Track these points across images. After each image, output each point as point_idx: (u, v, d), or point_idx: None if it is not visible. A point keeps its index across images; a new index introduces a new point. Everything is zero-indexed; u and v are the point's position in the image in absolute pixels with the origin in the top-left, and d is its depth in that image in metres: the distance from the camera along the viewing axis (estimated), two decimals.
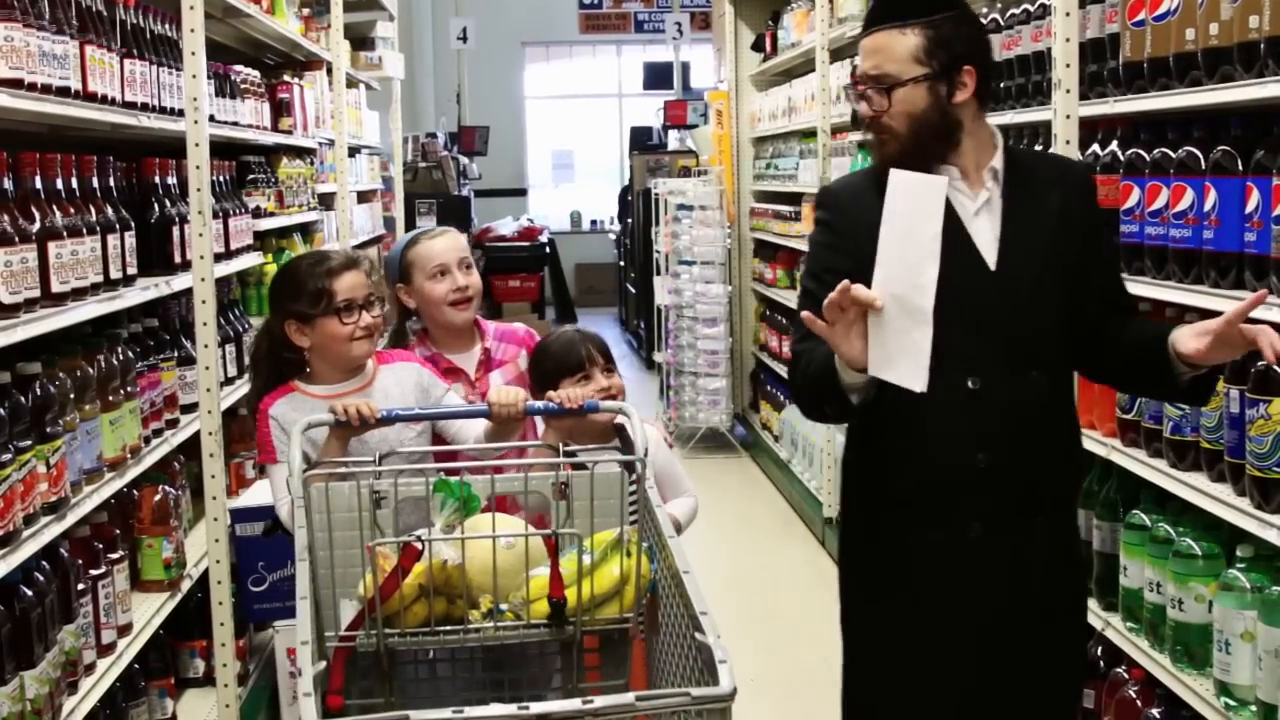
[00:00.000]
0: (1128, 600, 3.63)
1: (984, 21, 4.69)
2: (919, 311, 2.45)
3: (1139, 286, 3.47)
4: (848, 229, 2.78)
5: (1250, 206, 3.05)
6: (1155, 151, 3.46)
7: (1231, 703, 3.12)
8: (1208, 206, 3.19)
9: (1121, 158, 3.64)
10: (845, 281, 2.46)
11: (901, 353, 2.47)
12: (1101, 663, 3.83)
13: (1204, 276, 3.24)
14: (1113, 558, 3.72)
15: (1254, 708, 3.06)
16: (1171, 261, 3.35)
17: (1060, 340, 2.80)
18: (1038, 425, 2.76)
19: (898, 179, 2.51)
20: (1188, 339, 2.59)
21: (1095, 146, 3.81)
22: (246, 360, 5.10)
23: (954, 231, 2.67)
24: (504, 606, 2.62)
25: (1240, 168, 3.11)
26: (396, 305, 3.75)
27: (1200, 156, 3.26)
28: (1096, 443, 3.71)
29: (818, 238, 2.90)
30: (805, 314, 2.58)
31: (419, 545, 2.57)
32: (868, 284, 2.48)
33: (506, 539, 2.66)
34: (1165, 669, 3.40)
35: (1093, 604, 3.80)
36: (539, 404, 3.12)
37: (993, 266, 2.75)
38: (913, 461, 2.77)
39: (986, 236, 2.76)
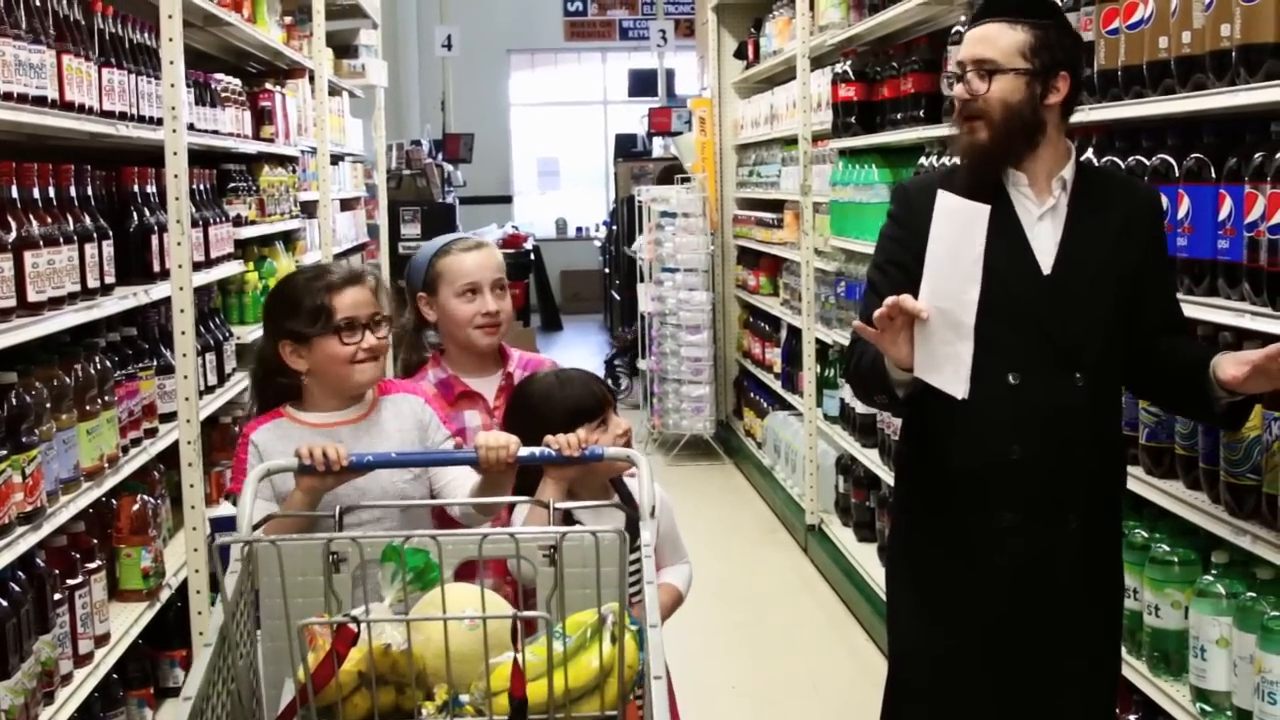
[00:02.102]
0: None
1: (960, 29, 4.71)
2: (961, 326, 2.64)
3: None
4: (913, 224, 2.90)
5: (1223, 214, 3.06)
6: (1130, 159, 3.47)
7: (1207, 709, 3.13)
8: (1181, 214, 3.20)
9: (1097, 165, 3.65)
10: (893, 298, 2.64)
11: (945, 360, 2.67)
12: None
13: (1178, 283, 3.24)
14: None
15: (1229, 714, 3.07)
16: None
17: (1107, 348, 2.91)
18: (1073, 426, 2.88)
19: (945, 202, 2.67)
20: (1228, 366, 2.70)
21: None
22: (227, 369, 5.11)
23: (1013, 235, 2.87)
24: (464, 699, 2.25)
25: (1213, 175, 3.12)
26: (414, 314, 3.40)
27: (1174, 164, 3.27)
28: None
29: (887, 231, 3.05)
30: (856, 324, 2.76)
31: (354, 627, 2.19)
32: (917, 268, 2.72)
33: (467, 619, 2.26)
34: (1143, 675, 3.40)
35: None
36: (534, 451, 2.72)
37: (1046, 270, 2.89)
38: (952, 449, 2.92)
39: (1046, 242, 2.90)
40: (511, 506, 2.98)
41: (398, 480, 2.97)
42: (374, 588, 2.34)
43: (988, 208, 2.68)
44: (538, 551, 2.36)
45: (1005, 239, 2.83)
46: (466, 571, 2.46)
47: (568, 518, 2.85)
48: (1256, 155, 2.93)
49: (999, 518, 2.89)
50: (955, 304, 2.63)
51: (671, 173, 10.44)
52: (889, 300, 2.64)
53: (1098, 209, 2.93)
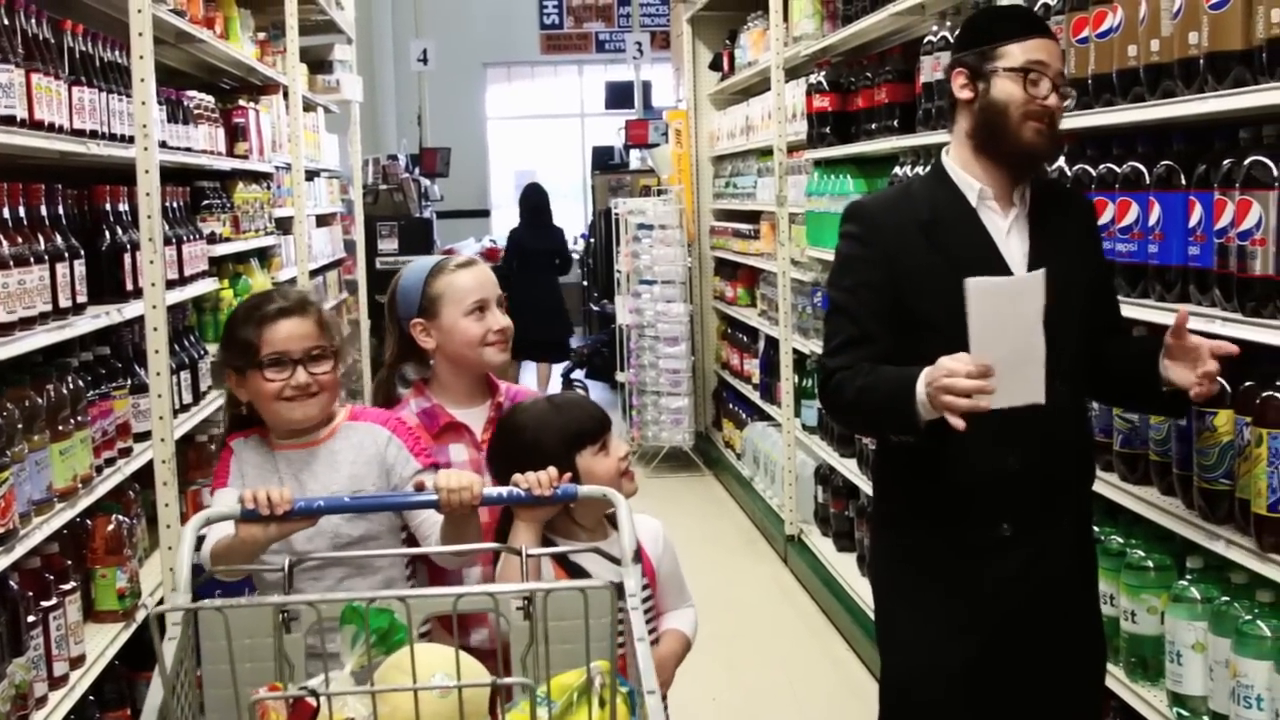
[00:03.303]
0: None
1: (933, 40, 4.73)
2: (1031, 361, 2.65)
3: None
4: (880, 243, 2.93)
5: (1193, 220, 3.07)
6: (1101, 167, 3.48)
7: (1184, 713, 3.14)
8: (1152, 221, 3.21)
9: (1069, 173, 3.66)
10: (968, 402, 2.62)
11: (1018, 385, 2.65)
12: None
13: (1150, 290, 3.26)
14: None
15: (1206, 718, 3.08)
16: (1119, 275, 3.37)
17: (1078, 354, 2.97)
18: (1062, 431, 2.95)
19: (978, 287, 2.62)
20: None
21: None
22: (202, 387, 5.09)
23: (988, 249, 2.90)
24: None
25: (1183, 182, 3.13)
26: (397, 347, 3.19)
27: (1144, 171, 3.29)
28: None
29: (849, 251, 3.01)
30: (956, 422, 2.64)
31: (314, 701, 2.00)
32: (900, 293, 2.85)
33: (437, 687, 2.05)
34: (1120, 680, 3.41)
35: None
36: (501, 492, 2.55)
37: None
38: (950, 465, 2.91)
39: (1017, 254, 2.93)
40: (496, 554, 2.79)
41: (340, 519, 2.78)
42: (332, 652, 2.16)
43: (1041, 276, 2.70)
44: (512, 605, 2.16)
45: (981, 253, 2.89)
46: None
47: (563, 560, 2.73)
48: (1225, 162, 2.95)
49: (1000, 528, 2.92)
50: (1022, 353, 2.65)
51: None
52: (966, 405, 2.62)
53: (1054, 217, 2.99)
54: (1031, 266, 2.88)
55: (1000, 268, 2.88)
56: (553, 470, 2.55)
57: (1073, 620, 3.03)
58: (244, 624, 2.14)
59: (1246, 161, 2.85)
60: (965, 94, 2.94)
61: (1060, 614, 2.98)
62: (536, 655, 2.10)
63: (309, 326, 2.85)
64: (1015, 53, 2.89)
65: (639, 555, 2.38)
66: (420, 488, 2.61)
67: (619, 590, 2.19)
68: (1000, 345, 2.63)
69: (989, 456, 2.86)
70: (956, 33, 3.11)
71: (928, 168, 3.12)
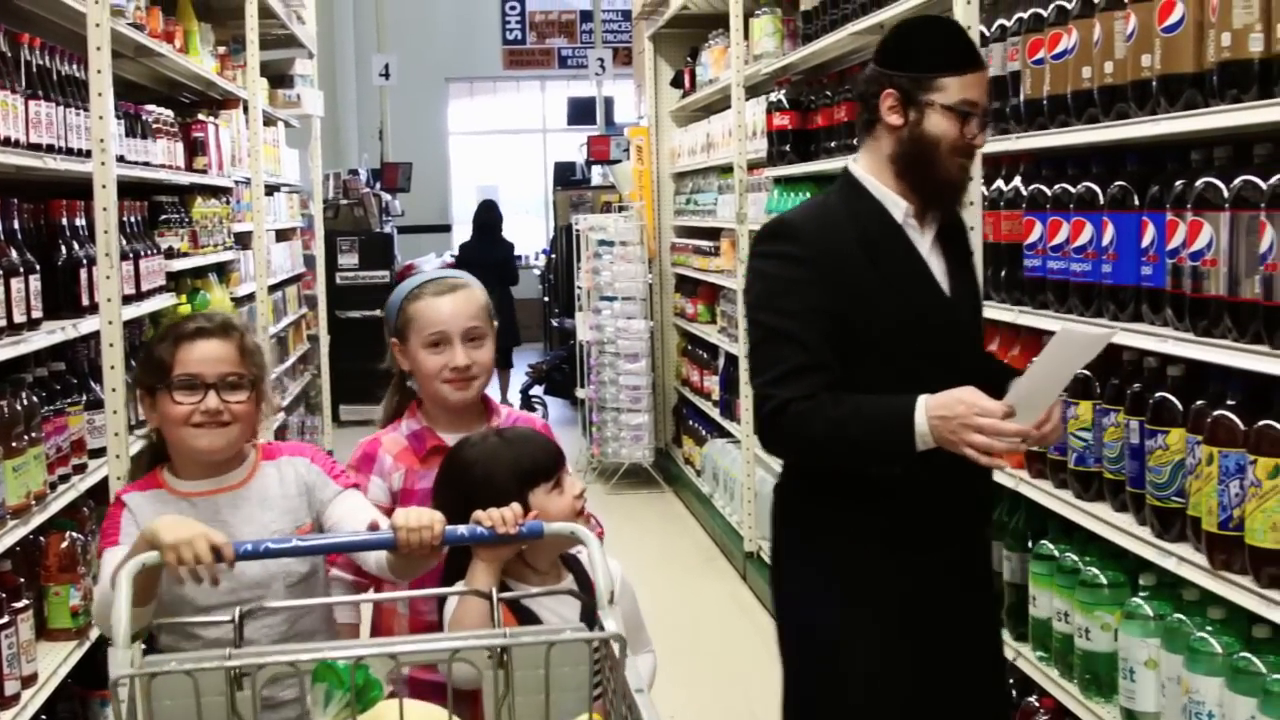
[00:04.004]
0: (1037, 630, 3.67)
1: None
2: (1044, 404, 2.66)
3: (1042, 320, 3.53)
4: (821, 264, 2.79)
5: (1146, 240, 3.10)
6: (1056, 187, 3.51)
7: None
8: (1106, 241, 3.24)
9: (1024, 193, 3.70)
10: (1015, 444, 2.67)
11: (1024, 420, 2.65)
12: (1014, 692, 3.86)
13: (1103, 310, 3.29)
14: (1022, 588, 3.76)
15: None
16: (1073, 295, 3.41)
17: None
18: None
19: (1067, 335, 2.66)
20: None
21: (999, 182, 3.87)
22: None
23: (921, 268, 2.87)
24: None
25: (1136, 203, 3.17)
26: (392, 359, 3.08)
27: (1098, 192, 3.32)
28: (1005, 474, 3.74)
29: (786, 273, 2.81)
30: (985, 461, 2.64)
31: None
32: (845, 315, 2.74)
33: None
34: (1075, 698, 3.43)
35: (1005, 634, 3.83)
36: (462, 530, 2.38)
37: (948, 295, 2.90)
38: (898, 481, 2.82)
39: (939, 271, 2.91)
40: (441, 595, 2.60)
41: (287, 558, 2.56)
42: (301, 715, 2.02)
43: (1114, 332, 2.80)
44: (482, 652, 2.04)
45: (916, 273, 2.86)
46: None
47: (514, 605, 2.54)
48: (1178, 183, 2.98)
49: (941, 530, 2.90)
50: (1045, 394, 2.66)
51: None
52: (1003, 447, 2.64)
53: (957, 239, 3.00)
54: (951, 285, 2.89)
55: (933, 287, 2.87)
56: (516, 507, 2.41)
57: (995, 637, 3.09)
58: (183, 684, 1.94)
59: (1198, 183, 2.88)
60: (894, 119, 2.83)
61: (987, 630, 3.04)
62: (511, 706, 1.99)
63: (228, 351, 2.67)
64: (952, 88, 2.79)
65: (613, 597, 2.23)
66: (374, 527, 2.45)
67: (586, 627, 2.08)
68: (1041, 386, 2.64)
69: (933, 466, 2.74)
70: (885, 40, 2.97)
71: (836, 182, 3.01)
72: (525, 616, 2.56)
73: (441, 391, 2.94)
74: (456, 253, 15.13)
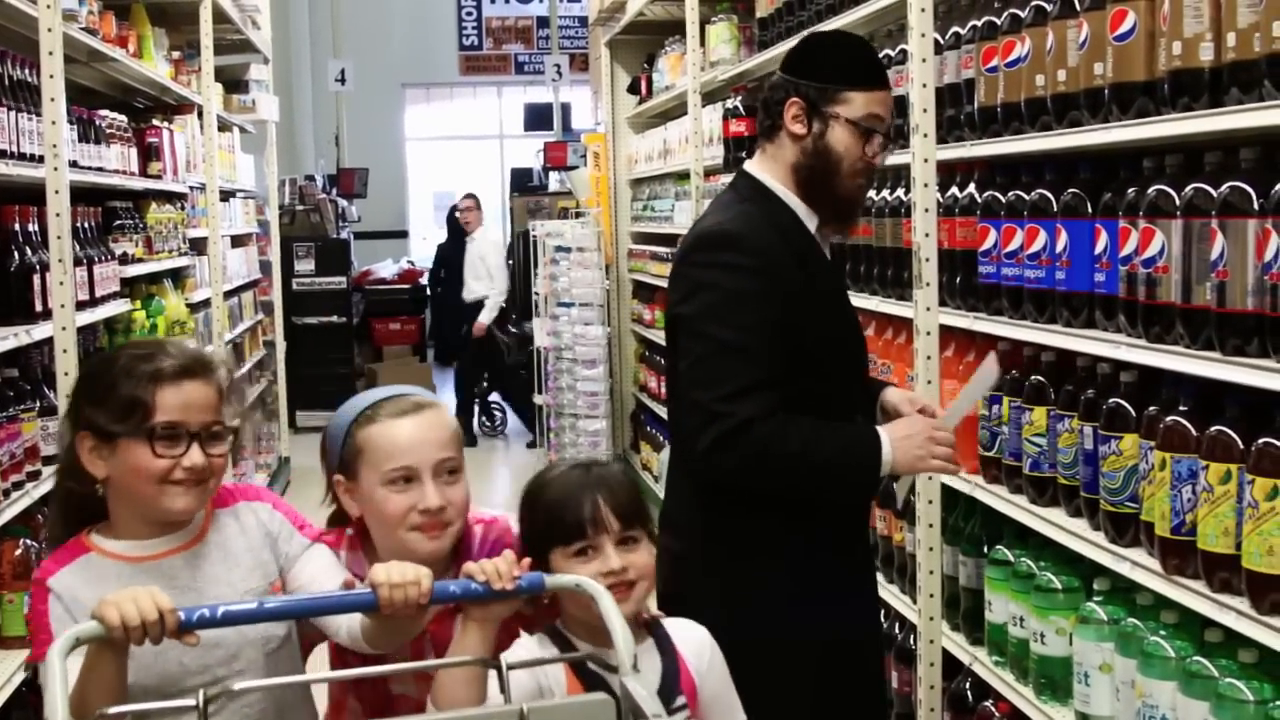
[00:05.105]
0: (993, 635, 3.68)
1: None
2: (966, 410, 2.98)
3: (997, 326, 3.55)
4: (772, 273, 2.76)
5: (1099, 248, 3.13)
6: (1010, 194, 3.53)
7: None
8: (1059, 248, 3.26)
9: (979, 200, 3.72)
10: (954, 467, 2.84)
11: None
12: (970, 696, 3.88)
13: (1057, 316, 3.31)
14: (978, 593, 3.78)
15: None
16: (1027, 301, 3.43)
17: None
18: None
19: (990, 365, 2.98)
20: (894, 397, 3.02)
21: (954, 189, 3.89)
22: None
23: (836, 278, 2.97)
24: None
25: (1089, 210, 3.19)
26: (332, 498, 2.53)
27: (1052, 199, 3.34)
28: (961, 479, 3.77)
29: (734, 284, 2.72)
30: (951, 469, 2.85)
31: None
32: (792, 329, 2.72)
33: None
34: (1030, 702, 3.45)
35: (960, 639, 3.87)
36: (452, 586, 2.05)
37: (851, 309, 2.98)
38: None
39: (842, 283, 3.00)
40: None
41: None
42: None
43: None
44: None
45: (836, 284, 2.98)
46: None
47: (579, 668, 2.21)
48: (1130, 190, 3.00)
49: (864, 538, 3.04)
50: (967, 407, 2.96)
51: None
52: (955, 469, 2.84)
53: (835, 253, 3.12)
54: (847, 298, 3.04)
55: (847, 301, 2.97)
56: (509, 555, 2.09)
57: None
58: None
59: (1150, 191, 2.90)
60: (798, 128, 2.83)
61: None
62: None
63: (209, 395, 2.27)
64: (858, 103, 2.80)
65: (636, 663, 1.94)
66: (350, 586, 2.11)
67: (660, 701, 1.83)
68: (963, 405, 2.94)
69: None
70: (794, 49, 3.01)
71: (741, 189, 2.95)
72: (591, 681, 2.21)
73: (408, 541, 2.34)
74: (417, 260, 15.17)
